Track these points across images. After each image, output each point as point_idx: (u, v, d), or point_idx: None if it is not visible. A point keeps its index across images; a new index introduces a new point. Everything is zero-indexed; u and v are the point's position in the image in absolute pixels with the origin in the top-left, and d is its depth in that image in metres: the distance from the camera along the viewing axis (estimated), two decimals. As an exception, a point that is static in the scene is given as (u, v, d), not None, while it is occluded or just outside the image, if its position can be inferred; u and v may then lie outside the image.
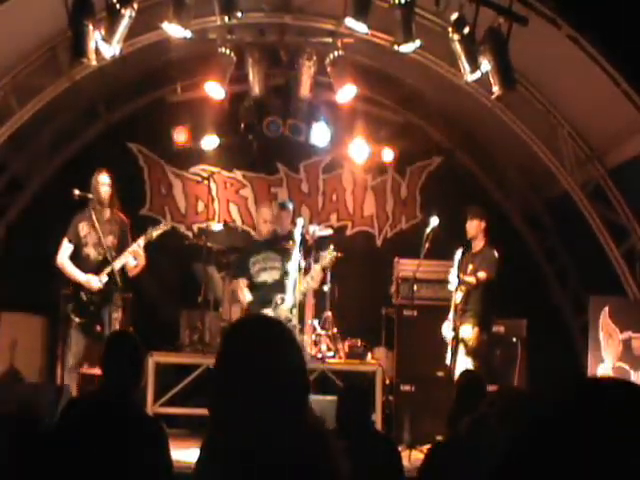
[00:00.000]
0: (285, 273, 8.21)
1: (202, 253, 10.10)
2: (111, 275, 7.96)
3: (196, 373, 9.22)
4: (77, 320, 7.95)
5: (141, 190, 11.27)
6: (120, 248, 8.03)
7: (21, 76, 8.28)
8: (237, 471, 2.21)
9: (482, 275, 8.14)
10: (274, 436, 2.22)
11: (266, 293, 8.22)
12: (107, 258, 7.99)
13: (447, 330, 8.22)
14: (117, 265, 7.97)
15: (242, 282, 8.45)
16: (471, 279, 8.14)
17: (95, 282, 7.90)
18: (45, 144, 10.33)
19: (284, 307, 8.19)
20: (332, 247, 8.34)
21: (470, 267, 8.23)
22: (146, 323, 9.47)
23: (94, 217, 7.99)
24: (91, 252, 8.04)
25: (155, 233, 8.13)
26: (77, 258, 8.04)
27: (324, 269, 8.29)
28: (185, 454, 6.13)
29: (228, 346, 2.41)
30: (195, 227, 11.25)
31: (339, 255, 8.35)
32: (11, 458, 3.25)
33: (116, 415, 4.30)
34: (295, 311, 8.10)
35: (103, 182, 8.01)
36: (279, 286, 8.19)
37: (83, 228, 8.05)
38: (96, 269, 7.98)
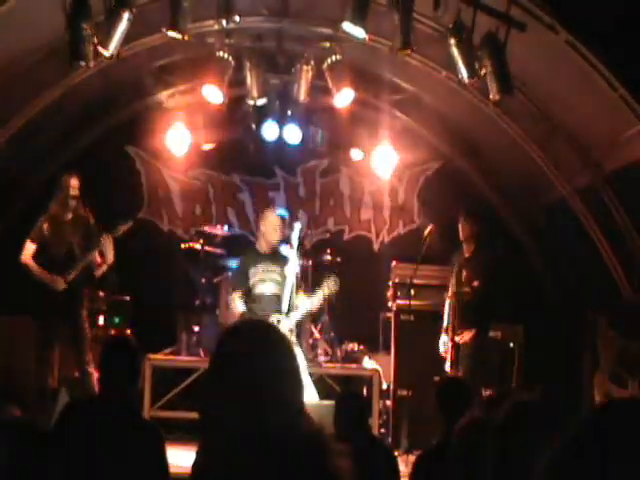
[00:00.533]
0: (283, 283, 8.00)
1: (199, 257, 10.11)
2: (82, 272, 7.97)
3: (193, 377, 9.22)
4: (46, 321, 7.93)
5: (138, 193, 11.27)
6: (85, 245, 8.00)
7: (19, 79, 8.27)
8: (234, 471, 2.21)
9: (476, 284, 8.14)
10: (270, 436, 2.23)
11: (263, 305, 7.98)
12: (72, 256, 7.99)
13: (442, 346, 8.23)
14: (82, 263, 7.96)
15: (235, 294, 8.14)
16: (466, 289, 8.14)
17: (60, 283, 7.89)
18: (43, 147, 10.32)
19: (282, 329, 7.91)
20: (335, 277, 8.01)
21: (464, 273, 8.23)
22: (143, 326, 9.47)
23: (57, 215, 8.02)
24: (56, 251, 8.04)
25: (122, 228, 8.08)
26: (42, 257, 8.01)
27: (325, 298, 8.04)
28: (182, 458, 6.12)
29: (222, 349, 2.41)
30: (192, 230, 11.25)
31: (336, 288, 8.00)
32: (10, 462, 3.24)
33: (113, 419, 4.30)
34: (293, 329, 7.90)
35: (74, 186, 8.01)
36: (276, 299, 7.96)
37: (47, 227, 8.05)
38: (62, 268, 7.95)
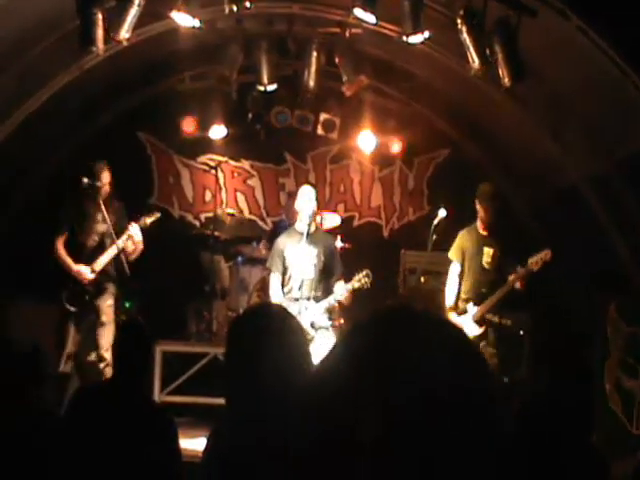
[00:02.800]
0: (319, 266, 7.74)
1: (209, 242, 10.13)
2: (117, 263, 7.99)
3: (203, 362, 9.26)
4: (72, 309, 7.94)
5: (149, 179, 11.29)
6: (116, 234, 7.93)
7: (30, 65, 8.28)
8: (246, 457, 2.24)
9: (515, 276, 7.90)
10: (283, 419, 2.26)
11: (297, 289, 7.74)
12: (102, 246, 7.99)
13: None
14: (112, 252, 7.93)
15: (273, 275, 7.86)
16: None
17: (86, 273, 7.88)
18: (53, 133, 10.34)
19: (308, 315, 7.65)
20: (368, 271, 7.79)
21: (490, 251, 7.93)
22: (153, 312, 9.49)
23: (89, 204, 7.99)
24: (85, 240, 8.04)
25: (149, 220, 8.09)
26: (72, 246, 8.01)
27: (354, 290, 7.86)
28: (192, 443, 6.16)
29: (237, 332, 2.45)
30: (202, 216, 11.27)
31: (369, 285, 7.80)
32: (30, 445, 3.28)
33: (124, 404, 4.32)
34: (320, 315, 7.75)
35: (105, 176, 7.97)
36: (311, 283, 7.73)
37: (77, 217, 8.05)
38: (91, 256, 7.96)
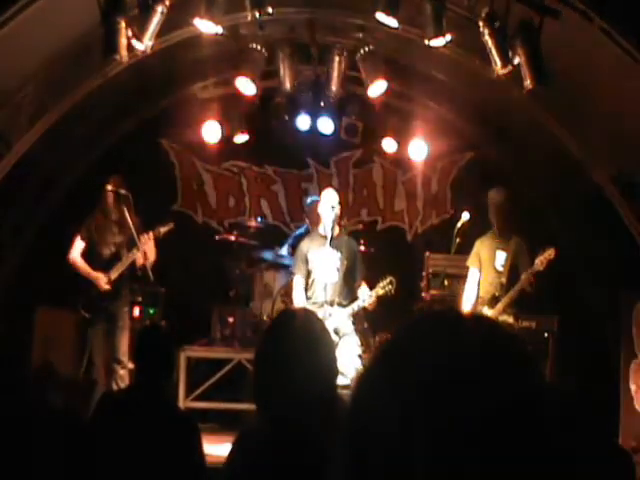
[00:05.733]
0: (342, 270, 7.75)
1: (233, 248, 10.16)
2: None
3: (227, 368, 9.28)
4: (87, 316, 8.11)
5: (172, 186, 11.34)
6: (130, 246, 8.16)
7: (55, 73, 8.34)
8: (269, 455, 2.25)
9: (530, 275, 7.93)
10: (308, 418, 2.29)
11: (321, 293, 7.73)
12: (119, 257, 8.18)
13: None
14: (125, 262, 8.14)
15: (296, 279, 7.90)
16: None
17: (102, 282, 8.05)
18: (78, 141, 10.40)
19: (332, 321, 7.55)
20: (392, 278, 7.80)
21: (504, 254, 8.00)
22: (178, 318, 9.53)
23: (104, 216, 8.24)
24: (102, 250, 8.21)
25: (163, 230, 8.25)
26: (90, 255, 8.20)
27: (378, 297, 7.84)
28: (216, 448, 6.17)
29: (267, 337, 2.49)
30: (226, 222, 11.30)
31: (393, 292, 7.84)
32: (56, 450, 3.30)
33: (149, 410, 4.34)
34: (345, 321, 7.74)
35: (118, 189, 8.18)
36: (335, 288, 7.73)
37: (95, 227, 8.24)
38: (107, 265, 8.14)
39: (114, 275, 8.10)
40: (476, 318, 1.13)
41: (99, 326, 8.12)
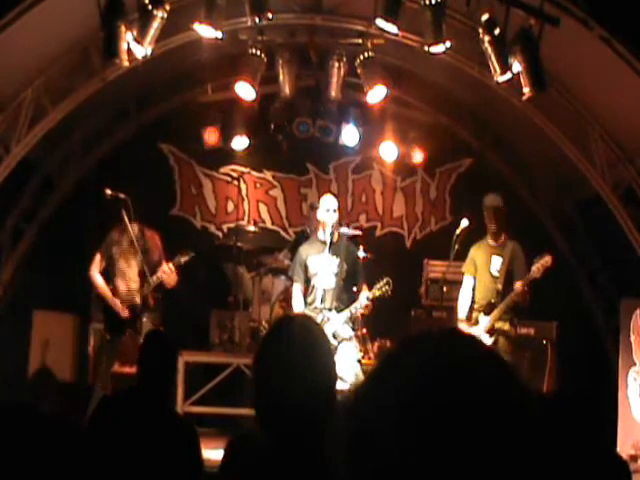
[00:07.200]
0: (341, 275, 7.70)
1: (232, 253, 10.15)
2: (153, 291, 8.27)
3: (225, 372, 9.27)
4: (107, 337, 8.24)
5: (172, 190, 11.33)
6: (150, 268, 8.19)
7: (54, 77, 8.35)
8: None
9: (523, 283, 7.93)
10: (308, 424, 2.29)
11: (320, 299, 7.68)
12: (142, 276, 8.21)
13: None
14: (146, 290, 8.21)
15: (296, 285, 7.90)
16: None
17: (121, 310, 8.10)
18: (77, 144, 10.41)
19: (330, 326, 7.55)
20: (389, 279, 7.75)
21: (499, 260, 8.01)
22: (176, 323, 9.52)
23: (119, 240, 8.25)
24: (124, 267, 8.26)
25: (183, 260, 8.27)
26: (111, 272, 8.26)
27: (375, 298, 7.81)
28: (214, 453, 6.16)
29: (266, 343, 2.50)
30: (225, 227, 11.30)
31: (390, 293, 7.77)
32: (49, 456, 3.29)
33: (147, 414, 4.33)
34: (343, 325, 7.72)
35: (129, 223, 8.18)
36: (334, 293, 7.68)
37: (113, 247, 8.25)
38: (127, 286, 8.22)
39: (136, 303, 8.16)
40: (463, 338, 1.19)
41: (117, 340, 8.23)
